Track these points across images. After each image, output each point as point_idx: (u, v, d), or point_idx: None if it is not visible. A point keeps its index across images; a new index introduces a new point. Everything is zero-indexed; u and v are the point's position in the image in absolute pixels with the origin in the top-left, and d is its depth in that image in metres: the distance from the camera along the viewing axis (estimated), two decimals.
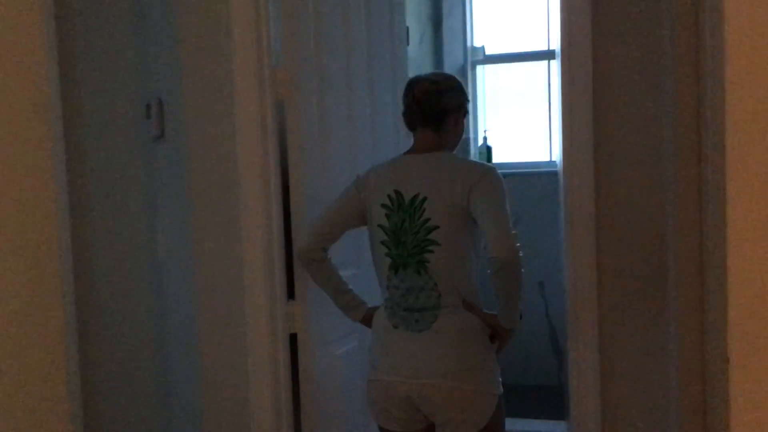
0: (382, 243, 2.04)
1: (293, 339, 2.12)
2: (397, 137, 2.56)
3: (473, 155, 4.36)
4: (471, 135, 4.42)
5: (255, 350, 2.06)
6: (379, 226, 2.04)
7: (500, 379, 2.03)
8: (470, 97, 4.35)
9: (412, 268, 2.00)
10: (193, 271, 2.11)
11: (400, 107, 2.07)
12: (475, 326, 2.00)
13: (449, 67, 4.38)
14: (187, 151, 2.10)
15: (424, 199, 2.00)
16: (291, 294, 2.12)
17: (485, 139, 4.30)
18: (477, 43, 4.40)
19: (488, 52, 4.38)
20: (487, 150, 4.26)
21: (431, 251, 1.99)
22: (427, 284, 1.99)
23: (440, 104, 2.06)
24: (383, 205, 2.04)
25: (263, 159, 2.03)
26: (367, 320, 2.13)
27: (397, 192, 2.02)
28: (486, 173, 1.99)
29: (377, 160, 2.24)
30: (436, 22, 4.31)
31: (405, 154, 2.10)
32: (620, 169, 1.95)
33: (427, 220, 1.99)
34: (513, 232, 1.89)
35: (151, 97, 2.16)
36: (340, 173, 2.26)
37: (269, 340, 2.06)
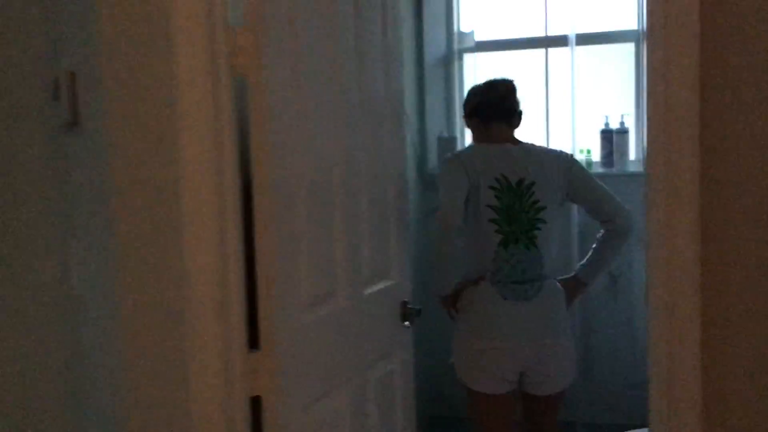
0: (492, 221, 2.42)
1: (256, 403, 1.55)
2: (394, 125, 2.01)
3: None
4: (458, 134, 3.88)
5: (202, 422, 1.49)
6: (488, 206, 2.41)
7: None
8: (456, 90, 3.82)
9: (522, 243, 2.42)
10: (118, 312, 1.53)
11: (395, 91, 2.04)
12: (562, 294, 2.49)
13: (431, 56, 3.84)
14: (110, 144, 1.52)
15: (532, 183, 2.43)
16: (254, 342, 1.55)
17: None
18: (465, 29, 3.86)
19: (478, 38, 3.84)
20: None
21: (539, 228, 2.43)
22: (535, 257, 2.43)
23: (517, 103, 2.55)
24: (491, 187, 2.41)
25: (216, 156, 1.45)
26: (453, 298, 2.51)
27: (504, 176, 2.41)
28: (573, 159, 2.63)
29: (372, 152, 1.92)
30: (417, 3, 3.76)
31: (482, 143, 2.55)
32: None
33: (536, 201, 2.43)
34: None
35: (59, 70, 1.55)
36: (323, 175, 1.70)
37: (222, 406, 1.48)
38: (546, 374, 2.43)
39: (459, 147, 3.86)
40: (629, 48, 3.69)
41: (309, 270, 1.65)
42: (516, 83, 2.56)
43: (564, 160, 2.52)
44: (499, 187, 2.40)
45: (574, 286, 2.56)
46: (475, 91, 2.60)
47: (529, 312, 2.40)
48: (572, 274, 2.62)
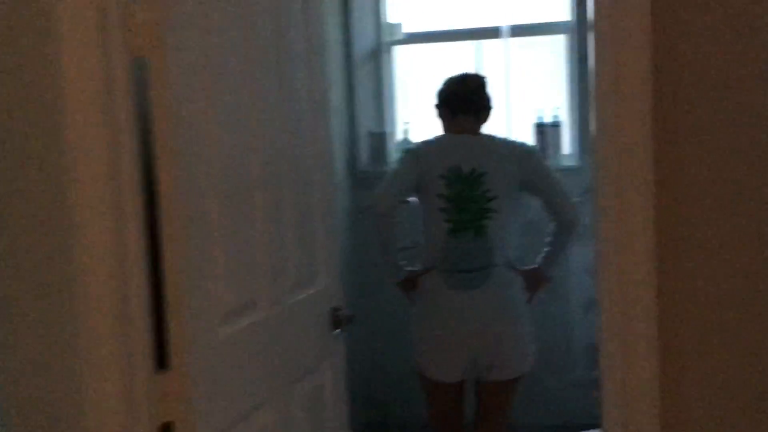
0: (442, 210, 2.49)
1: (167, 430, 1.36)
2: (319, 120, 1.86)
3: (392, 152, 3.69)
4: (387, 129, 3.74)
5: None
6: (438, 195, 2.48)
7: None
8: (387, 84, 3.68)
9: (471, 231, 2.46)
10: None
11: (318, 84, 1.89)
12: (517, 281, 2.54)
13: (359, 49, 3.68)
14: None
15: (484, 172, 2.46)
16: (162, 362, 1.37)
17: (406, 132, 3.63)
18: (393, 20, 3.72)
19: (407, 30, 3.71)
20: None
21: (489, 218, 2.46)
22: (484, 246, 2.47)
23: (486, 99, 2.62)
24: (442, 176, 2.47)
25: (111, 154, 1.27)
26: (407, 283, 2.60)
27: (457, 166, 2.47)
28: (531, 150, 2.65)
29: (295, 149, 1.75)
30: None
31: (447, 134, 2.62)
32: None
33: (487, 190, 2.46)
34: (569, 193, 2.55)
35: None
36: (240, 174, 1.53)
37: None
38: (496, 361, 2.49)
39: (390, 143, 3.72)
40: (561, 40, 3.62)
41: (225, 279, 1.48)
42: (486, 79, 2.65)
43: (522, 150, 2.57)
44: (451, 176, 2.47)
45: (534, 277, 2.62)
46: (448, 82, 2.66)
47: (477, 300, 2.46)
48: (535, 265, 2.68)
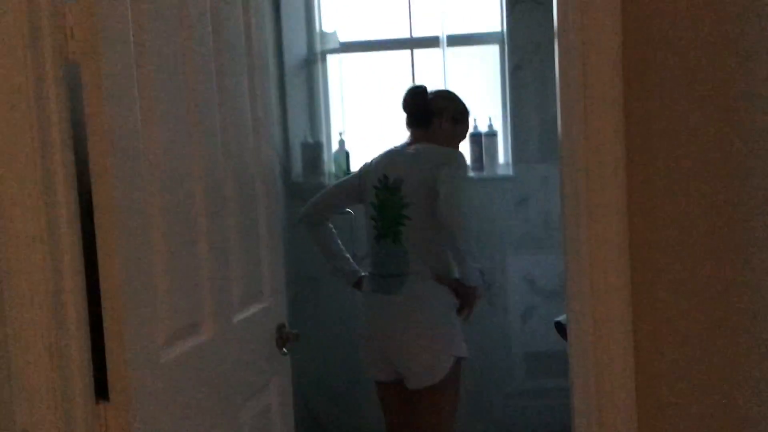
0: (372, 218, 2.61)
1: None
2: (261, 131, 1.79)
3: (327, 163, 3.63)
4: (323, 139, 3.68)
5: None
6: (371, 203, 2.62)
7: (463, 344, 2.55)
8: (320, 93, 3.62)
9: (389, 238, 2.55)
10: None
11: (260, 94, 1.84)
12: (438, 294, 2.53)
13: (291, 58, 3.61)
14: None
15: (401, 181, 2.54)
16: (102, 391, 1.26)
17: (341, 143, 3.57)
18: (327, 29, 3.66)
19: (342, 39, 3.65)
20: (346, 157, 3.53)
21: (403, 224, 2.51)
22: (399, 253, 2.52)
23: (425, 109, 2.66)
24: (374, 186, 2.59)
25: (43, 169, 1.17)
26: (359, 285, 2.69)
27: (385, 175, 2.57)
28: (450, 158, 2.57)
29: (237, 161, 1.68)
30: (274, 1, 3.52)
31: (399, 146, 2.68)
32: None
33: (402, 198, 2.53)
34: (460, 204, 2.45)
35: None
36: (182, 188, 1.45)
37: None
38: (409, 368, 2.51)
39: (325, 153, 3.66)
40: (494, 50, 3.63)
41: (168, 300, 1.38)
42: (423, 89, 2.72)
43: (442, 158, 2.55)
44: (380, 186, 2.57)
45: (461, 289, 2.59)
46: (404, 94, 2.76)
47: (391, 306, 2.53)
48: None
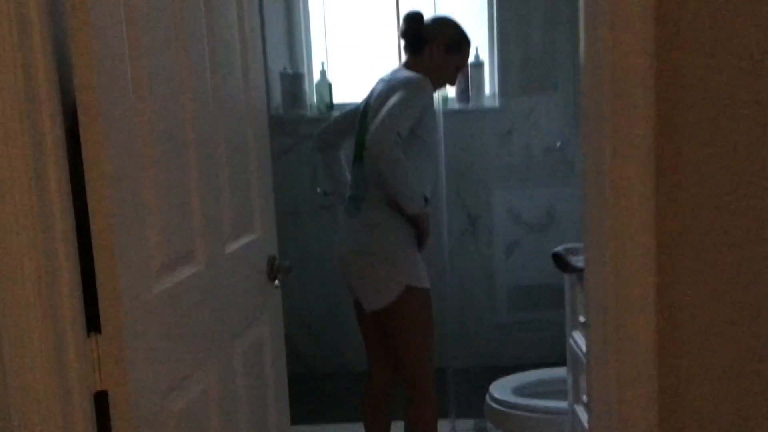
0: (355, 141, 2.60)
1: (100, 401, 1.21)
2: (251, 57, 1.70)
3: (308, 93, 3.53)
4: (305, 70, 3.57)
5: (30, 428, 1.13)
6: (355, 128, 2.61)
7: (421, 274, 2.46)
8: (301, 20, 3.49)
9: (357, 161, 2.54)
10: None
11: (249, 19, 1.73)
12: (391, 220, 2.45)
13: None
14: None
15: (369, 106, 2.52)
16: (94, 324, 1.20)
17: (323, 73, 3.46)
18: None
19: None
20: (329, 89, 3.43)
21: (365, 149, 2.40)
22: (362, 177, 2.50)
23: (416, 35, 2.55)
24: (361, 112, 2.59)
25: (24, 88, 1.07)
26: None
27: (366, 101, 2.58)
28: (408, 82, 2.44)
29: (227, 88, 1.60)
30: None
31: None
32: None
33: (367, 122, 2.47)
34: (387, 134, 2.28)
35: None
36: (171, 114, 1.36)
37: (56, 407, 1.14)
38: (360, 291, 2.52)
39: (307, 85, 3.55)
40: None
41: (159, 230, 1.31)
42: (419, 14, 2.58)
43: (401, 83, 2.43)
44: (361, 110, 2.58)
45: (409, 218, 2.46)
46: None
47: (350, 228, 2.54)
48: None
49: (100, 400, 1.21)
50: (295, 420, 2.09)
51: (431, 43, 2.53)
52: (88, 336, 1.19)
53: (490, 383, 2.90)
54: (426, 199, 2.43)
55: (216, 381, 1.51)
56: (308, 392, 3.53)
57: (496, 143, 3.52)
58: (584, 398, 2.02)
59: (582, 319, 1.94)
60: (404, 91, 2.36)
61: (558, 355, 3.39)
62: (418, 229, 2.45)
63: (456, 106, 3.46)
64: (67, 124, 1.15)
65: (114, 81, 1.19)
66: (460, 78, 3.44)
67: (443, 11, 3.38)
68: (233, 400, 1.60)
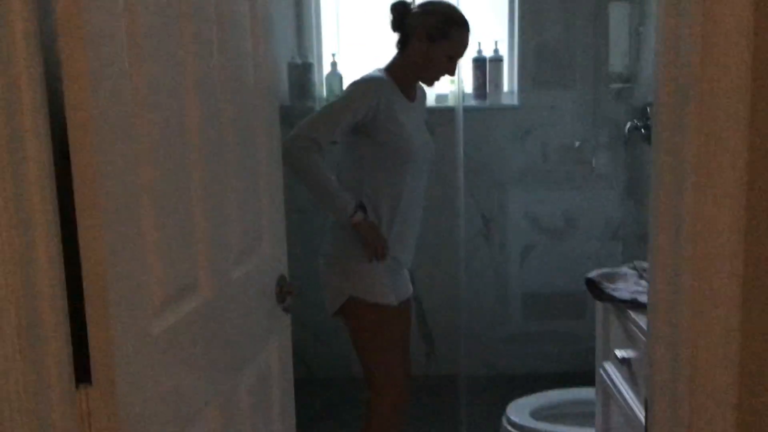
0: None
1: None
2: (263, 49, 1.54)
3: (318, 86, 3.35)
4: (315, 60, 3.39)
5: None
6: None
7: (373, 288, 2.28)
8: (312, 8, 3.31)
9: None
10: None
11: (261, 6, 1.55)
12: (339, 228, 2.32)
13: None
14: None
15: None
16: (84, 375, 1.04)
17: (334, 65, 3.28)
18: None
19: None
20: (339, 80, 3.26)
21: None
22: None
23: (401, 23, 2.32)
24: None
25: (8, 96, 0.91)
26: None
27: None
28: (351, 83, 2.32)
29: (236, 82, 1.46)
30: None
31: None
32: None
33: None
34: (300, 133, 2.17)
35: None
36: (173, 117, 1.20)
37: None
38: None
39: (317, 74, 3.37)
40: None
41: (160, 258, 1.15)
42: (401, 3, 2.34)
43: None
44: None
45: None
46: None
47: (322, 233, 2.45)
48: None
49: None
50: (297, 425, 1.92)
51: (412, 36, 2.28)
52: (77, 388, 1.03)
53: (501, 393, 2.77)
54: (362, 207, 2.24)
55: (219, 423, 1.36)
56: (310, 396, 3.39)
57: (514, 142, 3.36)
58: None
59: (619, 353, 1.79)
60: (342, 94, 2.28)
61: (572, 367, 3.25)
62: (364, 239, 2.26)
63: (472, 102, 3.29)
64: (54, 146, 0.98)
65: (111, 96, 1.02)
66: (476, 73, 3.28)
67: (458, 2, 3.21)
68: None
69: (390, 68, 2.33)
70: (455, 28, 2.26)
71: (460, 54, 2.33)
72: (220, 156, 1.36)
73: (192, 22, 1.25)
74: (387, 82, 2.28)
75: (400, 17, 2.30)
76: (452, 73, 2.37)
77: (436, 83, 2.44)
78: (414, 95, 2.38)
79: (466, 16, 2.31)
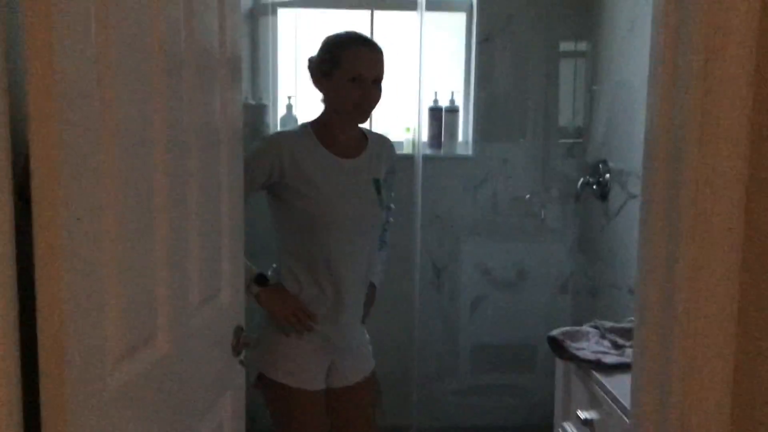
0: None
1: None
2: (231, 88, 1.46)
3: (272, 128, 3.31)
4: (269, 102, 3.34)
5: None
6: None
7: (277, 366, 2.04)
8: (269, 49, 3.27)
9: None
10: None
11: (231, 42, 1.51)
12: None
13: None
14: None
15: None
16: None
17: (290, 107, 3.25)
18: None
19: None
20: (295, 123, 3.21)
21: None
22: None
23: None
24: None
25: None
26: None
27: None
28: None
29: (199, 110, 1.42)
30: None
31: None
32: None
33: None
34: None
35: None
36: (138, 155, 1.13)
37: None
38: None
39: (271, 116, 3.32)
40: (460, 19, 3.37)
41: (119, 311, 1.08)
42: (309, 60, 2.08)
43: None
44: None
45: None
46: None
47: None
48: None
49: None
50: None
51: (314, 82, 2.06)
52: None
53: None
54: (264, 278, 2.01)
55: None
56: None
57: (467, 192, 3.36)
58: None
59: (582, 415, 1.76)
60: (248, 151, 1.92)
61: (523, 420, 3.22)
62: (270, 312, 2.03)
63: (427, 151, 3.28)
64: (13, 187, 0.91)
65: (76, 138, 0.95)
66: (432, 123, 3.28)
67: (419, 49, 3.22)
68: None
69: (314, 122, 2.07)
70: (344, 50, 1.97)
71: (364, 71, 1.96)
72: (183, 204, 1.30)
73: (164, 65, 1.19)
74: (299, 138, 2.02)
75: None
76: (369, 96, 1.98)
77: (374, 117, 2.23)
78: (354, 152, 2.07)
79: (362, 34, 2.04)
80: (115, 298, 1.07)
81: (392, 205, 2.37)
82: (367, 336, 2.25)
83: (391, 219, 2.38)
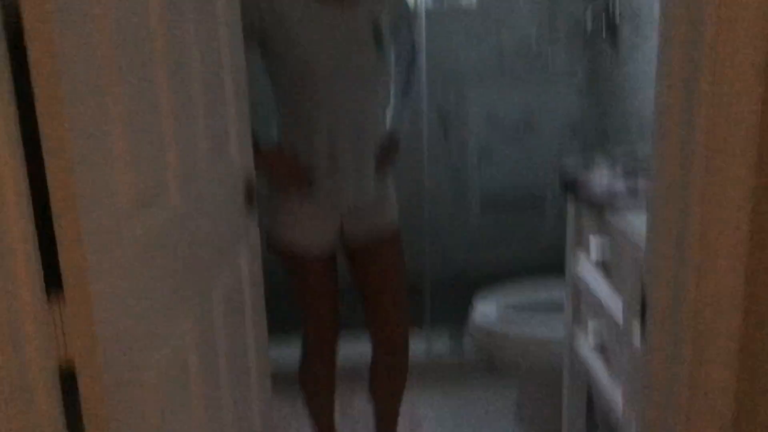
0: None
1: (67, 378, 1.01)
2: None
3: None
4: None
5: None
6: None
7: (282, 231, 2.07)
8: None
9: None
10: None
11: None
12: None
13: None
14: None
15: None
16: (54, 281, 0.98)
17: None
18: None
19: None
20: None
21: None
22: None
23: None
24: None
25: None
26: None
27: None
28: None
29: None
30: None
31: None
32: None
33: None
34: None
35: None
36: (138, 22, 1.10)
37: (13, 387, 0.94)
38: None
39: None
40: None
41: (128, 160, 1.08)
42: None
43: None
44: None
45: None
46: None
47: None
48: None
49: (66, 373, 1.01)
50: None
51: None
52: (48, 296, 0.98)
53: (465, 293, 2.80)
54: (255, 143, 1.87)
55: (195, 334, 1.32)
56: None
57: (472, 43, 3.28)
58: (590, 340, 1.88)
59: (594, 256, 1.77)
60: None
61: (532, 265, 3.30)
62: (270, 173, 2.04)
63: (430, 4, 3.18)
64: (9, 35, 0.89)
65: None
66: None
67: None
68: (214, 354, 1.41)
69: None
70: None
71: None
72: (184, 53, 1.27)
73: None
74: None
75: None
76: None
77: None
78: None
79: None
80: (122, 152, 1.07)
81: (414, 45, 2.22)
82: (389, 189, 2.16)
83: (417, 60, 2.26)
